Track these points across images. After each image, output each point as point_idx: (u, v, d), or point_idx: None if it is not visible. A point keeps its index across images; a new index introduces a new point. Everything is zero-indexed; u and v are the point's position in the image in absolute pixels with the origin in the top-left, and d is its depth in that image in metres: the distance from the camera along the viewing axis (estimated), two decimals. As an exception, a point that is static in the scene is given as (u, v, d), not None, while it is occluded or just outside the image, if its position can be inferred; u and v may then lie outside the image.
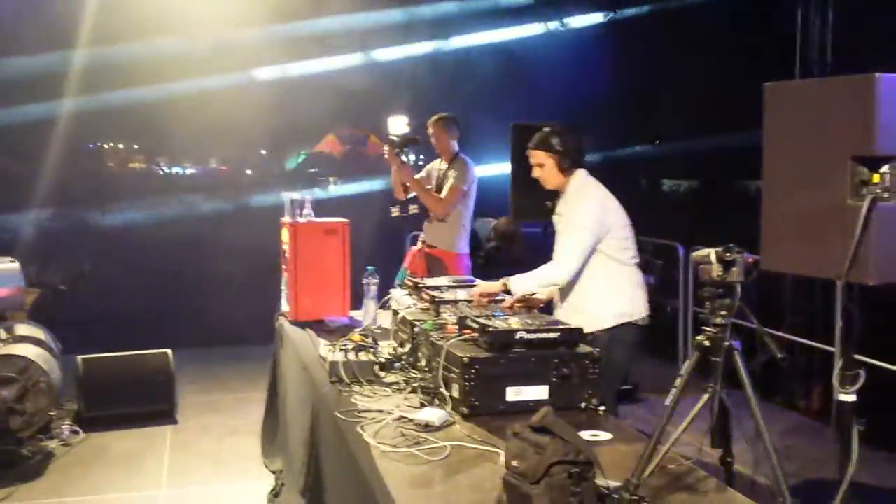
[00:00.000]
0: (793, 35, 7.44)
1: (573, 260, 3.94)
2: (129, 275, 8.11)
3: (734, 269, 2.50)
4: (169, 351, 6.35)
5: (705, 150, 9.55)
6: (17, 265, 6.45)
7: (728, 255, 2.50)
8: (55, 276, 7.26)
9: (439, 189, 6.17)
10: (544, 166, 4.06)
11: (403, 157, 6.03)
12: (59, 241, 8.42)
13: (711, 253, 2.53)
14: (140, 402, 6.20)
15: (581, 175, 4.08)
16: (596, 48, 10.05)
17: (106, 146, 12.25)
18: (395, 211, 6.16)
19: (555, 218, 4.23)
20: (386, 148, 5.98)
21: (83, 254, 8.29)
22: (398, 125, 6.10)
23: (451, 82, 10.00)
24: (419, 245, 6.31)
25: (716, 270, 2.52)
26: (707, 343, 2.48)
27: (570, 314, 3.97)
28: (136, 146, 12.28)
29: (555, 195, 4.18)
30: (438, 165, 6.30)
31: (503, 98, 9.48)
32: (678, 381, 2.49)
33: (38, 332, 6.25)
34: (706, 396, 2.48)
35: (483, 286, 4.11)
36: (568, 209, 4.05)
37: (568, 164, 4.03)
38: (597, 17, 10.71)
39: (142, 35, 8.87)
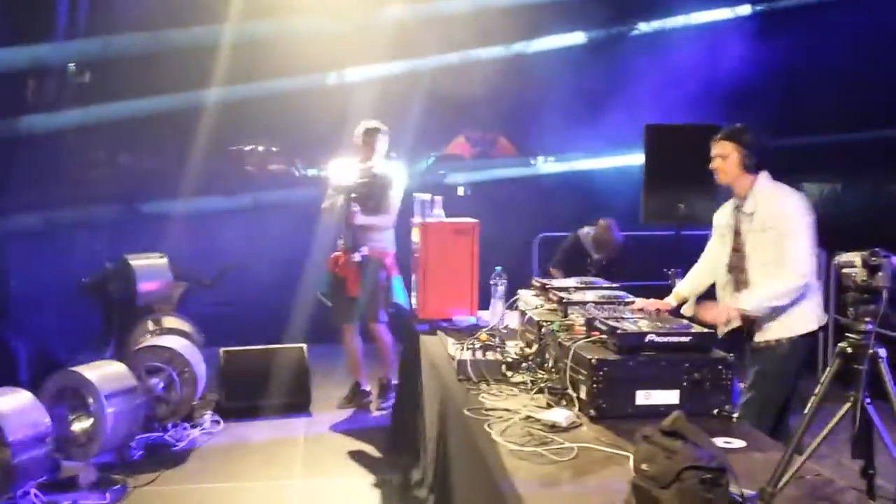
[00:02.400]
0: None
1: (808, 263, 3.85)
2: (267, 272, 8.43)
3: (880, 273, 2.40)
4: (304, 345, 6.58)
5: (848, 148, 9.07)
6: (165, 260, 6.85)
7: (874, 258, 2.40)
8: (200, 271, 7.62)
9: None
10: (727, 158, 3.99)
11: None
12: (204, 238, 8.82)
13: (856, 257, 2.43)
14: (277, 395, 6.42)
15: (767, 175, 4.00)
16: (736, 40, 9.64)
17: (246, 148, 12.74)
18: (357, 257, 6.15)
19: (725, 217, 4.16)
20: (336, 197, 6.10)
21: (226, 251, 8.67)
22: (344, 171, 6.11)
23: (581, 77, 9.82)
24: (346, 248, 6.22)
25: (861, 275, 2.42)
26: (850, 350, 2.39)
27: (759, 318, 3.92)
28: (274, 148, 12.71)
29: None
30: (366, 172, 6.20)
31: (634, 93, 9.27)
32: (818, 389, 2.40)
33: (184, 325, 6.59)
34: (847, 405, 2.38)
35: (711, 313, 3.99)
36: (773, 209, 3.92)
37: (752, 163, 3.96)
38: (744, 9, 10.23)
39: (281, 15, 9.09)
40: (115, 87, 8.96)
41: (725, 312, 3.95)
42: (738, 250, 4.07)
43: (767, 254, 3.93)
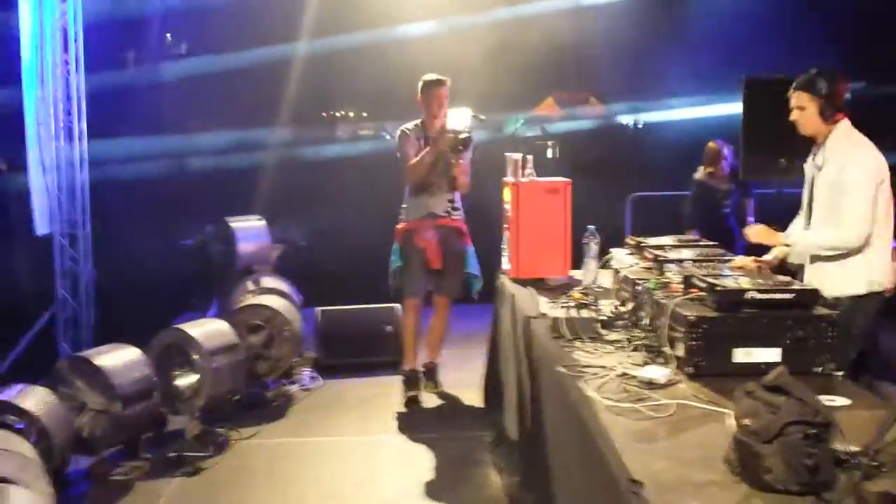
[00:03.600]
0: None
1: (864, 225, 3.69)
2: (360, 234, 8.56)
3: None
4: (397, 305, 6.66)
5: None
6: (263, 223, 7.04)
7: None
8: (296, 233, 7.80)
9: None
10: (805, 110, 3.81)
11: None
12: (300, 201, 9.00)
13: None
14: (371, 353, 6.58)
15: (845, 126, 3.80)
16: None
17: (338, 114, 12.89)
18: (455, 215, 5.80)
19: (808, 167, 4.00)
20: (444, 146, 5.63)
21: (321, 214, 8.84)
22: (460, 119, 5.58)
23: (672, 27, 9.48)
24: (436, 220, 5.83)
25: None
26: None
27: (822, 276, 3.78)
28: (364, 114, 12.81)
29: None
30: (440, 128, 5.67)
31: (727, 41, 8.92)
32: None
33: (282, 285, 6.77)
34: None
35: (759, 232, 4.04)
36: (837, 164, 3.76)
37: (831, 112, 3.76)
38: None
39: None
40: (208, 43, 9.17)
41: (765, 234, 3.96)
42: (810, 203, 3.94)
43: (827, 210, 3.80)
